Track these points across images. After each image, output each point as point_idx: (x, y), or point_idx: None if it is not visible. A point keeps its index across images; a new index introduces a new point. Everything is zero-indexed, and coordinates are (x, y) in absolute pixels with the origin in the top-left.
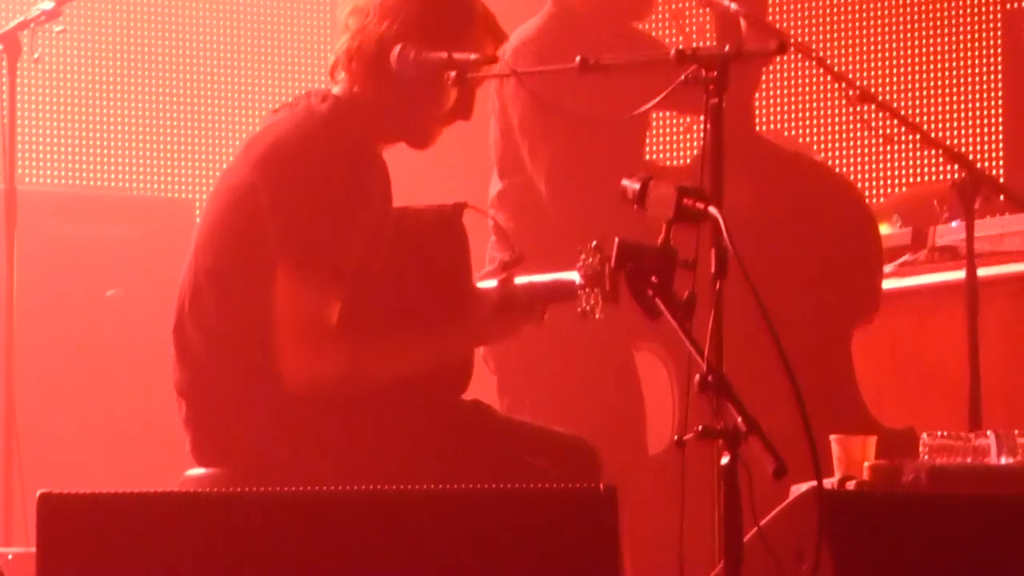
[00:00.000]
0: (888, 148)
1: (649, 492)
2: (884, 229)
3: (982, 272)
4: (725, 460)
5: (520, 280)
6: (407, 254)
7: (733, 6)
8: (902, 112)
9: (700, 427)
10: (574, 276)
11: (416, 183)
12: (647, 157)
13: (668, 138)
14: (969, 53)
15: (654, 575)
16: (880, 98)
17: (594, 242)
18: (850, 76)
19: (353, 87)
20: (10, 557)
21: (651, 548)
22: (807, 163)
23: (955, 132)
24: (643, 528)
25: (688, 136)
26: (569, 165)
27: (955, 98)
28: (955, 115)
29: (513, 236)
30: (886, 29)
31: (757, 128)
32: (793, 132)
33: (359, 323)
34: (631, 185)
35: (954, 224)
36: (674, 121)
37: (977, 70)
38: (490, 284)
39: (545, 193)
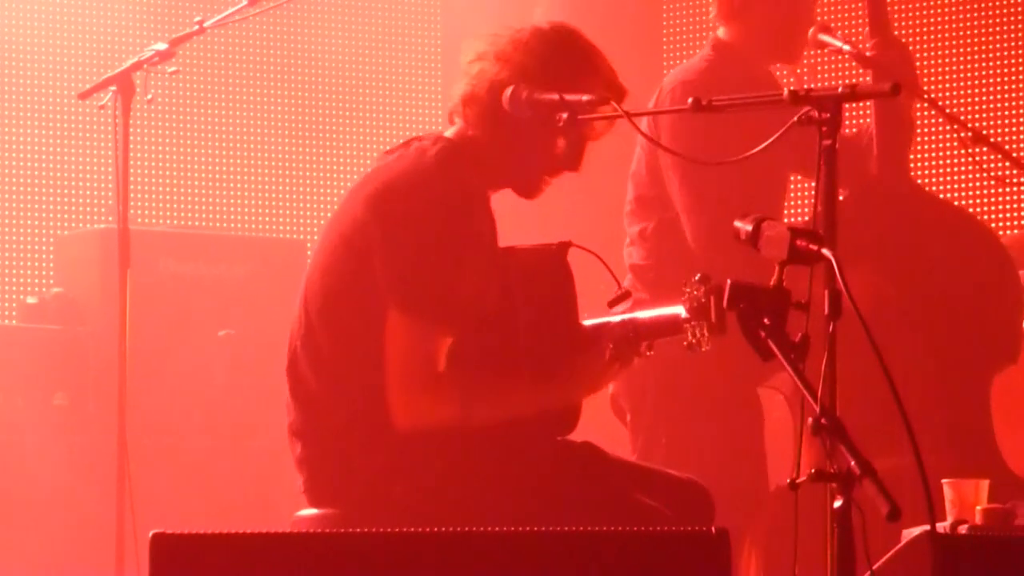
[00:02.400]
0: (1000, 189)
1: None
2: None
3: None
4: (838, 503)
5: (627, 316)
6: (513, 294)
7: (847, 48)
8: (1015, 154)
9: (813, 470)
10: (679, 310)
11: (521, 222)
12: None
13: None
14: None
15: None
16: (993, 140)
17: (698, 275)
18: (962, 118)
19: (467, 131)
20: None
21: None
22: (948, 208)
23: None
24: (773, 563)
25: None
26: (711, 202)
27: None
28: None
29: (654, 273)
30: (999, 70)
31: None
32: None
33: (469, 364)
34: (744, 226)
35: None
36: None
37: None
38: (601, 321)
39: (693, 239)
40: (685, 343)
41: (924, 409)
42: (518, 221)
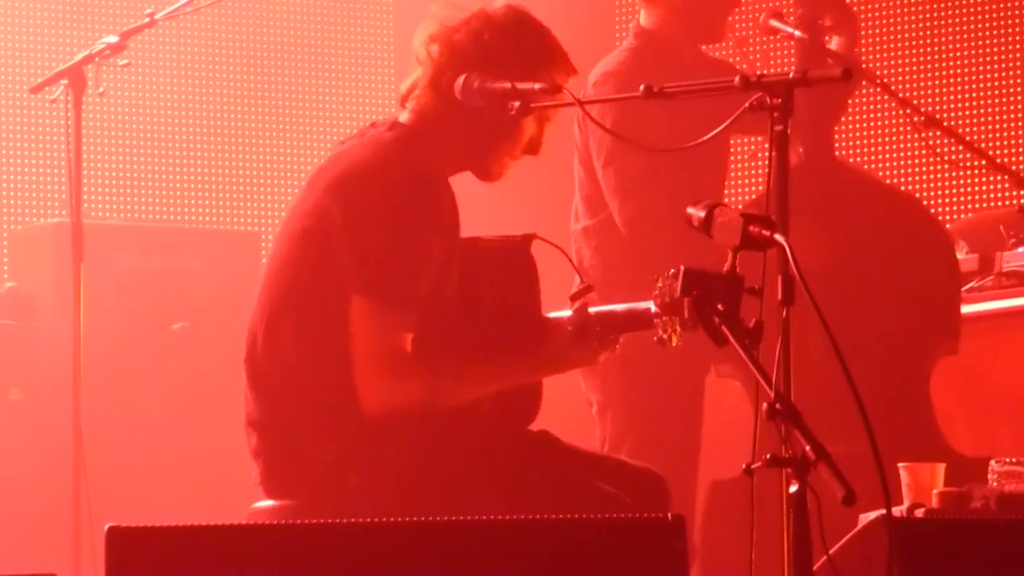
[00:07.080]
0: (954, 174)
1: (715, 518)
2: None
3: None
4: (793, 488)
5: (596, 309)
6: (476, 284)
7: (797, 33)
8: (967, 138)
9: (768, 455)
10: (650, 305)
11: (485, 213)
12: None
13: (743, 166)
14: None
15: None
16: (945, 124)
17: (671, 270)
18: (915, 102)
19: (422, 116)
20: None
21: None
22: (885, 189)
23: (1021, 157)
24: (712, 554)
25: (756, 164)
26: (647, 194)
27: (1021, 123)
28: (1021, 140)
29: (599, 270)
30: (951, 55)
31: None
32: (859, 158)
33: (432, 350)
34: (696, 213)
35: (1021, 249)
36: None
37: None
38: (564, 314)
39: (623, 224)
40: (655, 338)
41: (866, 391)
42: (481, 211)
